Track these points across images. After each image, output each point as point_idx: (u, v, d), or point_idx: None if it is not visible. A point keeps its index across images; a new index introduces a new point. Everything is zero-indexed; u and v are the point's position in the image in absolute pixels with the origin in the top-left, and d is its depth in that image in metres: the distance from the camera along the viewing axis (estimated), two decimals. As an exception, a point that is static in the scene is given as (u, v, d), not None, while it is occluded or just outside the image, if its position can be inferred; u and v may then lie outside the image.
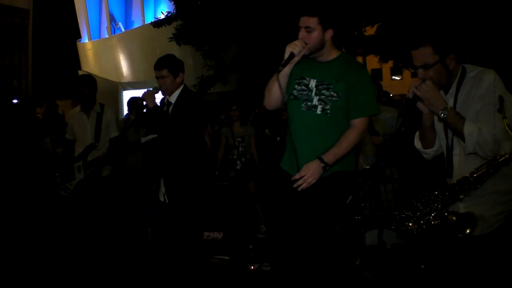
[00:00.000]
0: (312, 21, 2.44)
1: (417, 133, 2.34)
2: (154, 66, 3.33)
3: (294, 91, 2.55)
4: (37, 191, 4.90)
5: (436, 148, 2.28)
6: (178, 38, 11.59)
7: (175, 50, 11.68)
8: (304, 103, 2.51)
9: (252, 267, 4.08)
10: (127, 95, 13.82)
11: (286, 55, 2.40)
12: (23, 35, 35.27)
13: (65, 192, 4.25)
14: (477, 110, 2.05)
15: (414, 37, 2.12)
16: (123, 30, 21.08)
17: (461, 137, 2.05)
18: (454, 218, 2.06)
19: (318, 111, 2.48)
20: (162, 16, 12.09)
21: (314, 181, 2.41)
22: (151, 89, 3.36)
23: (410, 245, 3.51)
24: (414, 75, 2.27)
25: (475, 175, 2.04)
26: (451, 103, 2.12)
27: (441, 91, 2.15)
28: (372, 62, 17.41)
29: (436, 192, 2.15)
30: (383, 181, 4.28)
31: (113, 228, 4.55)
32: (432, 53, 2.07)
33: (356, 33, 12.04)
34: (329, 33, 2.47)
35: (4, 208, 4.67)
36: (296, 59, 2.43)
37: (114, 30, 21.39)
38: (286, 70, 2.48)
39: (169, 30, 11.84)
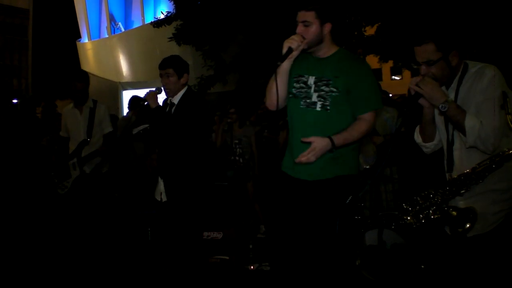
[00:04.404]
0: (309, 15, 2.40)
1: (417, 127, 2.34)
2: (159, 65, 3.29)
3: (293, 89, 2.52)
4: (35, 190, 4.91)
5: (436, 142, 2.29)
6: (178, 38, 11.57)
7: (175, 50, 11.65)
8: (303, 100, 2.47)
9: (252, 267, 4.08)
10: (127, 95, 13.79)
11: (284, 51, 2.36)
12: (23, 35, 35.32)
13: (62, 191, 4.25)
14: (478, 102, 2.06)
15: (417, 34, 2.12)
16: (123, 30, 21.07)
17: (462, 130, 2.04)
18: (454, 212, 2.06)
19: (318, 107, 2.43)
20: (162, 16, 12.06)
21: (313, 158, 2.31)
22: (154, 89, 3.31)
23: (410, 245, 3.51)
24: (414, 75, 2.28)
25: (477, 170, 2.04)
26: (452, 97, 2.13)
27: (443, 87, 2.15)
28: (372, 62, 17.38)
29: (436, 187, 2.14)
30: (383, 181, 4.28)
31: (113, 226, 4.55)
32: (435, 50, 2.08)
33: (356, 33, 12.03)
34: (327, 27, 2.43)
35: (4, 208, 4.68)
36: (295, 53, 2.38)
37: (114, 30, 21.39)
38: (285, 65, 2.42)
39: (169, 30, 11.82)
